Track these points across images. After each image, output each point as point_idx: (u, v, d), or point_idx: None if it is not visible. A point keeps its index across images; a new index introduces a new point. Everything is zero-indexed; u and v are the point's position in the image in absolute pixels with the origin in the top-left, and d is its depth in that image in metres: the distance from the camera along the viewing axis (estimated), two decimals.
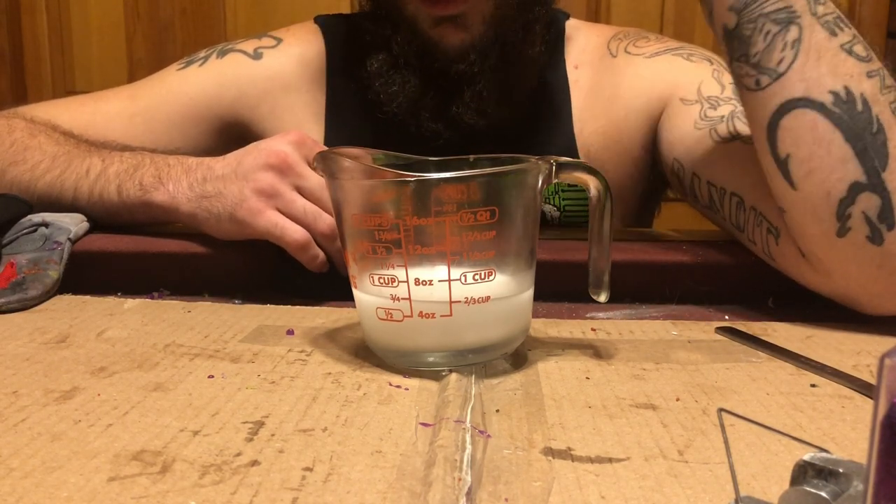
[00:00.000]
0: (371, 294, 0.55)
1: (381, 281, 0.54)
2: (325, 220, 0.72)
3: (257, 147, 0.74)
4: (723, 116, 0.84)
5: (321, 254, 0.73)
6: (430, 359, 0.56)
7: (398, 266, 0.53)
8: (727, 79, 0.88)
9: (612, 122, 0.96)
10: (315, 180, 0.73)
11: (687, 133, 0.87)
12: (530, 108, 0.96)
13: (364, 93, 0.94)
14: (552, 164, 0.55)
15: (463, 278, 0.52)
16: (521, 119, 0.95)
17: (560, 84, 0.98)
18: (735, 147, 0.79)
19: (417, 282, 0.53)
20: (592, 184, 0.57)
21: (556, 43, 1.00)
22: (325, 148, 0.74)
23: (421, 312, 0.53)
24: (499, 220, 0.53)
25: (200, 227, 0.76)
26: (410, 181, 0.52)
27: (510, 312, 0.56)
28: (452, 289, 0.52)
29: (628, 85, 0.96)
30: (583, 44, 1.01)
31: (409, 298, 0.53)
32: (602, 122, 0.97)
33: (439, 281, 0.52)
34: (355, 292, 0.57)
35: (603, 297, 0.59)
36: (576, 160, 0.57)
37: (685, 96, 0.90)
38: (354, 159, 0.54)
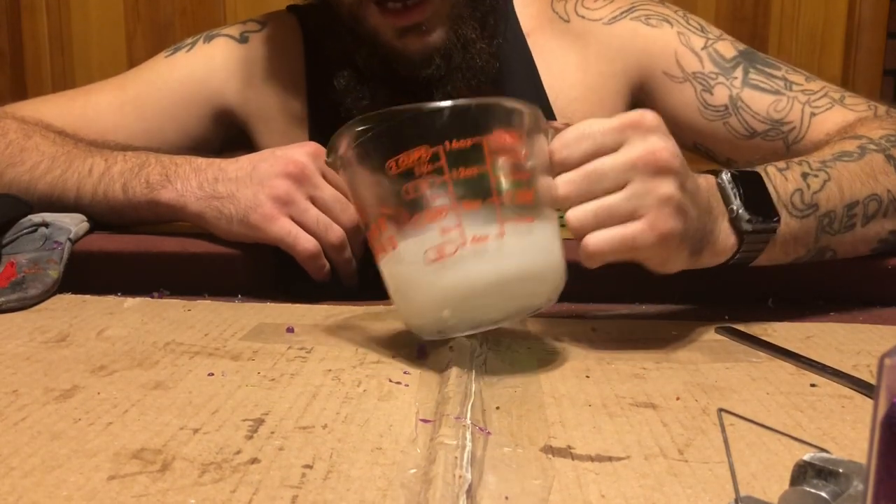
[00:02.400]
0: (418, 238, 0.54)
1: (429, 217, 0.53)
2: (336, 232, 0.73)
3: (273, 154, 0.74)
4: (726, 106, 0.90)
5: (327, 264, 0.74)
6: (479, 305, 0.55)
7: (442, 195, 0.52)
8: (696, 42, 0.93)
9: (590, 89, 0.97)
10: (329, 192, 0.73)
11: (695, 120, 0.92)
12: (502, 85, 0.96)
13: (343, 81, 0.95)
14: (552, 128, 0.57)
15: (507, 197, 0.53)
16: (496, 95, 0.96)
17: (524, 55, 0.98)
18: (759, 144, 0.89)
19: (466, 204, 0.52)
20: None
21: (507, 13, 0.99)
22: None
23: (474, 237, 0.53)
24: (524, 145, 0.54)
25: (208, 226, 0.76)
26: (443, 106, 0.52)
27: (552, 241, 0.56)
28: (500, 209, 0.53)
29: (596, 53, 0.97)
30: (529, 9, 1.00)
31: (460, 224, 0.53)
32: (579, 90, 0.97)
33: (485, 201, 0.52)
34: (394, 256, 0.56)
35: None
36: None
37: (668, 70, 0.93)
38: None
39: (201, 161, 0.78)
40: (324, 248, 0.73)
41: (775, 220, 0.64)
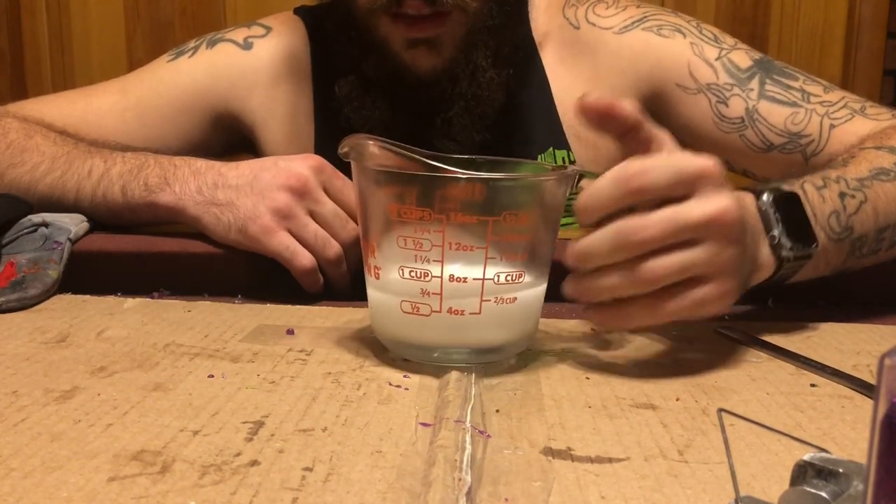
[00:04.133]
0: (397, 287, 0.55)
1: (413, 275, 0.53)
2: (334, 248, 0.73)
3: (276, 165, 0.74)
4: (742, 119, 0.89)
5: (322, 279, 0.74)
6: (451, 355, 0.56)
7: (434, 261, 0.53)
8: (710, 53, 0.92)
9: None
10: (329, 207, 0.73)
11: (710, 132, 0.91)
12: (513, 101, 0.96)
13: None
14: (579, 173, 0.56)
15: (496, 278, 0.53)
16: (507, 108, 0.95)
17: (536, 68, 0.97)
18: (776, 157, 0.88)
19: (452, 278, 0.53)
20: None
21: (522, 22, 0.98)
22: (343, 176, 0.75)
23: (451, 309, 0.53)
24: (535, 224, 0.54)
25: (205, 231, 0.76)
26: (461, 178, 0.52)
27: (530, 314, 0.57)
28: (485, 287, 0.53)
29: (606, 64, 0.95)
30: (542, 17, 0.99)
31: (441, 294, 0.53)
32: None
33: (473, 279, 0.53)
34: (375, 284, 0.57)
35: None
36: (598, 173, 0.56)
37: (681, 82, 0.92)
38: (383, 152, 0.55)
39: (201, 164, 0.77)
40: (320, 264, 0.73)
41: (814, 245, 0.63)
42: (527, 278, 0.55)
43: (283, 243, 0.72)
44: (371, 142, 0.55)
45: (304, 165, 0.73)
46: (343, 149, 0.56)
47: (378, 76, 0.89)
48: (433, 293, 0.53)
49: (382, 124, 0.89)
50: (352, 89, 0.90)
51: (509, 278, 0.54)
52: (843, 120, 0.86)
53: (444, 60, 0.87)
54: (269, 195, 0.72)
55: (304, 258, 0.72)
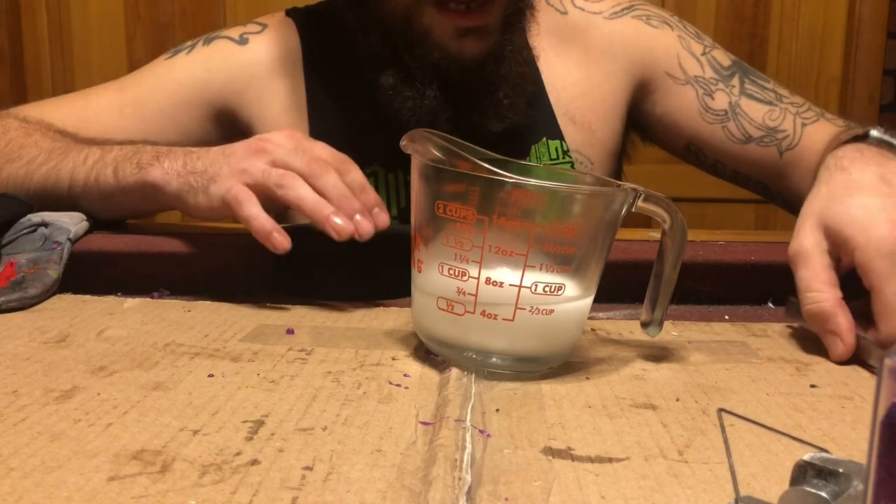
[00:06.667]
0: (436, 283, 0.54)
1: (451, 272, 0.53)
2: (284, 175, 0.70)
3: (254, 137, 0.75)
4: (726, 111, 0.95)
5: (269, 227, 0.69)
6: (483, 358, 0.55)
7: (472, 262, 0.52)
8: (695, 48, 0.98)
9: (593, 84, 0.99)
10: (287, 149, 0.71)
11: (695, 121, 0.97)
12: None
13: (342, 83, 0.96)
14: (638, 192, 0.55)
15: (534, 287, 0.52)
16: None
17: (530, 56, 0.98)
18: (752, 149, 0.95)
19: (488, 281, 0.52)
20: (669, 220, 0.56)
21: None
22: (318, 142, 0.74)
23: (484, 312, 0.53)
24: (581, 238, 0.53)
25: (183, 205, 0.75)
26: (506, 182, 0.51)
27: (568, 328, 0.56)
28: (521, 295, 0.52)
29: (598, 47, 0.99)
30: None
31: (476, 296, 0.53)
32: (581, 86, 0.99)
33: (510, 285, 0.52)
34: (417, 277, 0.57)
35: (656, 334, 0.59)
36: (660, 194, 0.56)
37: (671, 71, 0.97)
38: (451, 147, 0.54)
39: (195, 148, 0.78)
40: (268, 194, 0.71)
41: None
42: (568, 291, 0.54)
43: (231, 191, 0.70)
44: (429, 136, 0.54)
45: (276, 134, 0.74)
46: (403, 141, 0.56)
47: (423, 67, 0.89)
48: (468, 293, 0.53)
49: (431, 112, 0.89)
50: (395, 81, 0.89)
51: (548, 289, 0.53)
52: (812, 120, 0.94)
53: (488, 45, 0.87)
54: (233, 158, 0.72)
55: (244, 193, 0.70)
